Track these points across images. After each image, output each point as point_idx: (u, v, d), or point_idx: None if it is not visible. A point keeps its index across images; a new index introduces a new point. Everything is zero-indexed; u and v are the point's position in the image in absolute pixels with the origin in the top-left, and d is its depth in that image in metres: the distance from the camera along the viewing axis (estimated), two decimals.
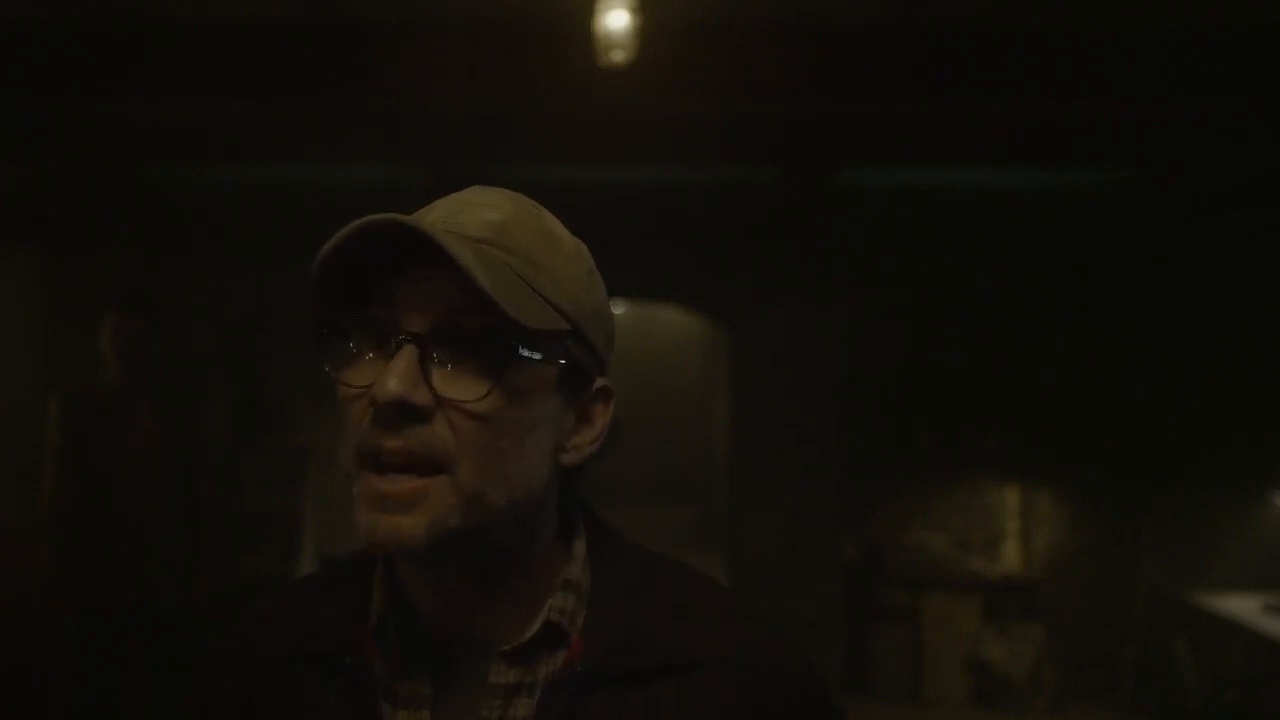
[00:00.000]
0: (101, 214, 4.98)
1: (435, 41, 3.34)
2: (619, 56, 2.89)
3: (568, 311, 0.75)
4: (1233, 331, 5.18)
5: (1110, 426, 5.31)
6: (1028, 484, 5.51)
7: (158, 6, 3.26)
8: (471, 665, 0.77)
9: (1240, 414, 5.15)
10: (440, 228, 0.72)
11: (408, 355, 0.70)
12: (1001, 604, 5.26)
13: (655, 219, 5.23)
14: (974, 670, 5.15)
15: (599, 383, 0.80)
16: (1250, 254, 5.06)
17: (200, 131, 4.45)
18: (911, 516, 5.51)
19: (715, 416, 7.75)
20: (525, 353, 0.72)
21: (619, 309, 6.84)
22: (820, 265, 5.40)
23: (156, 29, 3.36)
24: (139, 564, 3.30)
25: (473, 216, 0.75)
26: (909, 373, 5.47)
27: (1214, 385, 5.22)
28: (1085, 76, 3.44)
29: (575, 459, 0.79)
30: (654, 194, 5.23)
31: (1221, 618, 4.46)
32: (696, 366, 9.11)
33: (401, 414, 0.70)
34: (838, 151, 4.51)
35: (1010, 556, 5.52)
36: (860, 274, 5.42)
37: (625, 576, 0.81)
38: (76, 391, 3.40)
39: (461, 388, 0.71)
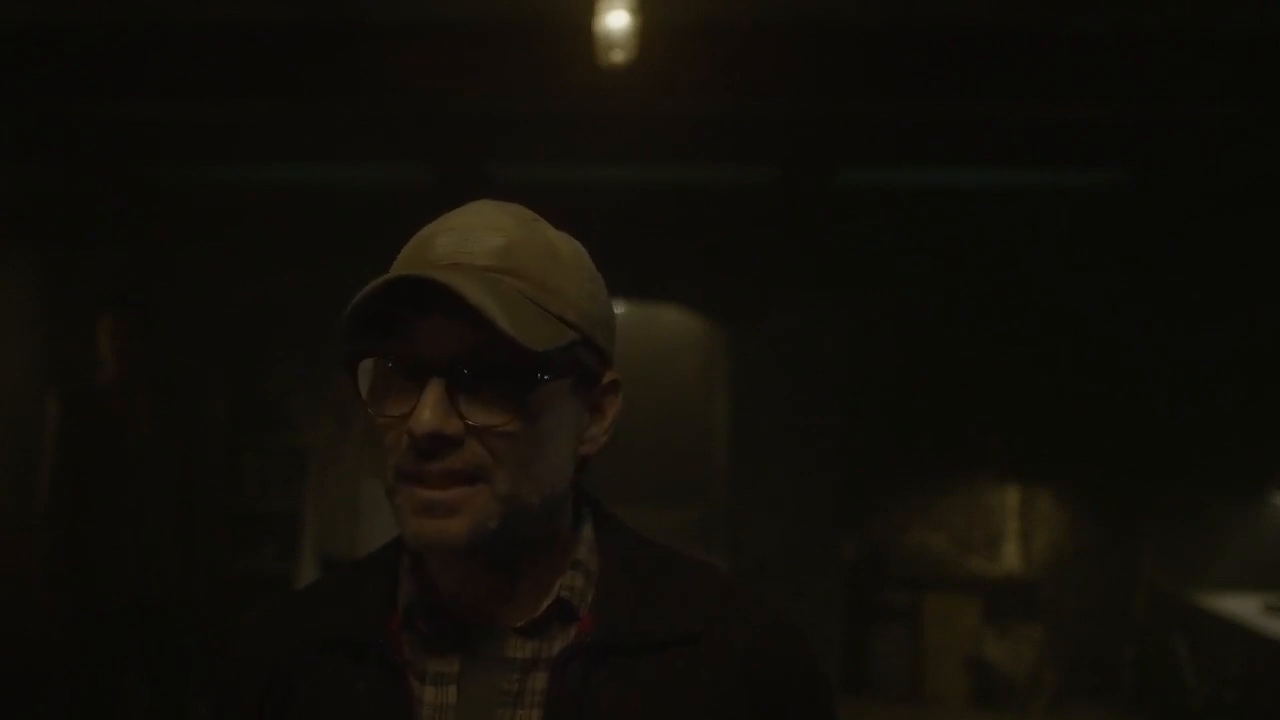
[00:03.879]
0: (101, 214, 4.97)
1: (435, 41, 3.34)
2: (619, 56, 2.89)
3: (575, 322, 0.80)
4: (1233, 331, 5.18)
5: (1110, 426, 5.30)
6: (1028, 484, 5.50)
7: (159, 7, 3.25)
8: (492, 644, 0.82)
9: (1240, 414, 5.14)
10: (451, 258, 0.78)
11: (437, 389, 0.75)
12: (1001, 604, 5.26)
13: (655, 219, 5.23)
14: (974, 670, 5.15)
15: (607, 376, 0.85)
16: (1250, 254, 5.06)
17: (201, 131, 4.45)
18: (911, 516, 5.51)
19: (715, 416, 7.74)
20: (544, 376, 0.77)
21: (618, 309, 6.83)
22: (820, 265, 5.40)
23: (157, 29, 3.35)
24: (136, 563, 3.30)
25: (479, 243, 0.79)
26: (909, 373, 5.47)
27: (1214, 385, 5.22)
28: (1085, 76, 3.44)
29: (592, 449, 0.85)
30: (654, 194, 5.22)
31: (1221, 618, 4.45)
32: (696, 366, 9.09)
33: (436, 443, 0.75)
34: (838, 151, 4.51)
35: (1010, 556, 5.51)
36: (860, 274, 5.41)
37: (632, 560, 0.87)
38: (75, 391, 3.40)
39: (489, 413, 0.76)
